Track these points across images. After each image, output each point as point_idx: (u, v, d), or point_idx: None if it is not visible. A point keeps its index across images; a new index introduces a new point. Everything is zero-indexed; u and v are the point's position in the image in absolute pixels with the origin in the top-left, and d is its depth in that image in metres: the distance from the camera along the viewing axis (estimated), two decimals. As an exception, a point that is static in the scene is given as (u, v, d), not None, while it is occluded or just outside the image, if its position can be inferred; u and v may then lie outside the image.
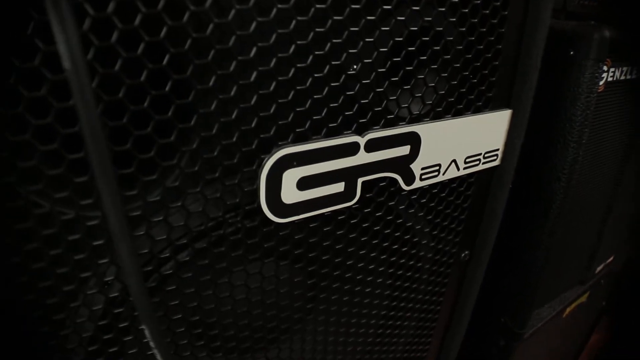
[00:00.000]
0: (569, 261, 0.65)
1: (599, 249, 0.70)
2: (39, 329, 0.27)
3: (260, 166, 0.29)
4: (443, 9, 0.33)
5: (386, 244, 0.40)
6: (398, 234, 0.40)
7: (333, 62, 0.29)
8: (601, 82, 0.50)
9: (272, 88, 0.28)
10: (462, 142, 0.38)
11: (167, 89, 0.24)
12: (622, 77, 0.53)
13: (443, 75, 0.35)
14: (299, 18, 0.27)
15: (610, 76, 0.51)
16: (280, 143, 0.29)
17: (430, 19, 0.32)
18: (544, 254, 0.54)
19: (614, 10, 0.59)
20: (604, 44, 0.47)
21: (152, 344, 0.28)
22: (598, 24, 0.49)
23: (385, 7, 0.30)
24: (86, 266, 0.27)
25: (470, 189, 0.42)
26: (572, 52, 0.48)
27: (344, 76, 0.30)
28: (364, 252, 0.39)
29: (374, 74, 0.31)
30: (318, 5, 0.27)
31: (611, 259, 0.78)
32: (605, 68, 0.50)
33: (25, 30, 0.20)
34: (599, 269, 0.75)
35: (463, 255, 0.46)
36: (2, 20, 0.20)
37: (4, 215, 0.23)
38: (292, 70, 0.28)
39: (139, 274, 0.25)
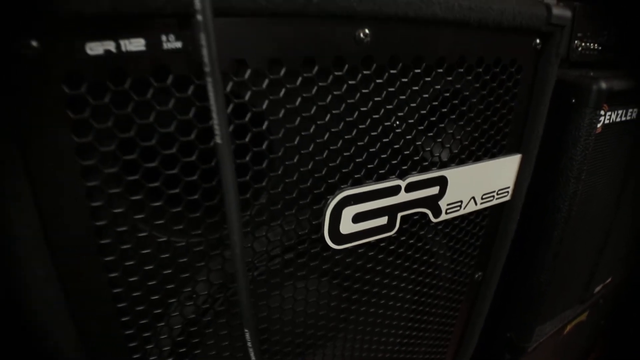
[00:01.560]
0: (570, 282, 0.77)
1: (597, 270, 0.81)
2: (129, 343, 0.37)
3: (326, 205, 0.39)
4: (469, 77, 0.44)
5: (414, 265, 0.50)
6: (424, 257, 0.50)
7: (385, 123, 0.40)
8: (599, 125, 0.62)
9: (339, 144, 0.38)
10: (480, 182, 0.49)
11: (263, 146, 0.35)
12: (618, 119, 0.65)
13: (467, 129, 0.46)
14: (363, 90, 0.38)
15: (607, 119, 0.63)
16: (342, 186, 0.40)
17: (459, 85, 0.43)
18: (547, 275, 0.65)
19: (612, 57, 0.71)
20: (601, 94, 0.59)
21: (250, 346, 0.38)
22: (596, 76, 0.61)
23: (426, 79, 0.41)
24: (173, 292, 0.37)
25: (485, 220, 0.53)
26: (573, 100, 0.59)
27: (392, 134, 0.41)
28: (394, 271, 0.50)
29: (414, 130, 0.42)
30: (377, 81, 0.38)
31: (609, 280, 0.90)
32: (602, 113, 0.61)
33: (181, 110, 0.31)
34: (597, 289, 0.87)
35: (477, 276, 0.56)
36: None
37: (134, 251, 0.34)
38: (355, 131, 0.39)
39: (246, 278, 0.35)
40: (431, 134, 0.44)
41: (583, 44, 0.65)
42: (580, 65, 0.66)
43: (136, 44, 0.29)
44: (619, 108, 0.64)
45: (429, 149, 0.44)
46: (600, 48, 0.67)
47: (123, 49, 0.29)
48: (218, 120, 0.27)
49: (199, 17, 0.26)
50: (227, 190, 0.30)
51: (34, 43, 0.26)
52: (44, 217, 0.30)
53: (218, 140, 0.28)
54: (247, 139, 0.34)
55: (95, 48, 0.28)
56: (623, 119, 0.65)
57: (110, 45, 0.28)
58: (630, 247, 0.88)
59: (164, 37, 0.29)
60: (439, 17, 0.38)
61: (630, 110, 0.66)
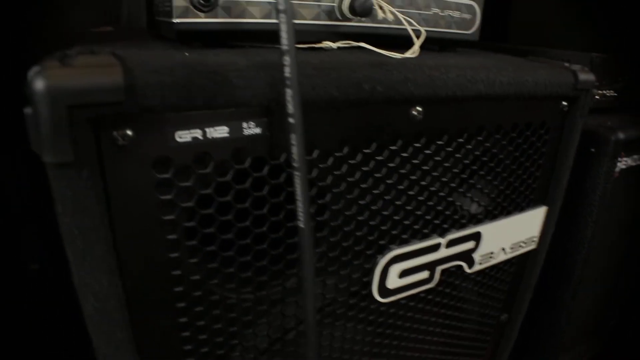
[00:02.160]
0: (587, 319, 0.80)
1: (613, 306, 0.84)
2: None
3: (376, 264, 0.42)
4: (504, 141, 0.47)
5: (446, 311, 0.53)
6: (456, 304, 0.54)
7: (431, 188, 0.43)
8: (616, 171, 0.65)
9: (389, 210, 0.42)
10: (509, 234, 0.52)
11: (325, 216, 0.38)
12: (634, 164, 0.68)
13: (499, 186, 0.50)
14: (413, 161, 0.41)
15: (624, 165, 0.66)
16: (390, 246, 0.43)
17: (493, 148, 0.47)
18: (566, 313, 0.69)
19: (627, 102, 0.74)
20: (619, 144, 0.62)
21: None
22: (613, 124, 0.64)
23: (467, 146, 0.44)
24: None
25: (512, 267, 0.56)
26: (592, 150, 0.63)
27: (434, 196, 0.44)
28: (427, 316, 0.53)
29: (452, 191, 0.46)
30: (425, 152, 0.41)
31: (624, 315, 0.93)
32: (619, 160, 0.65)
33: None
34: (613, 323, 0.90)
35: (503, 317, 0.60)
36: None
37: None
38: (404, 197, 0.42)
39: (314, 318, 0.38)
40: (466, 192, 0.47)
41: (600, 92, 0.69)
42: (597, 111, 0.69)
43: (220, 131, 0.32)
44: (635, 153, 0.68)
45: (464, 206, 0.47)
46: (616, 94, 0.71)
47: (209, 136, 0.32)
48: (302, 208, 0.30)
49: (291, 120, 0.29)
50: (306, 268, 0.32)
51: (129, 132, 0.29)
52: (127, 286, 0.33)
53: (301, 225, 0.31)
54: (312, 211, 0.37)
55: (184, 136, 0.31)
56: (638, 162, 0.69)
57: (198, 133, 0.31)
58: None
59: (244, 124, 0.33)
60: (483, 93, 0.41)
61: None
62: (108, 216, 0.30)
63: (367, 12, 0.41)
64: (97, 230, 0.30)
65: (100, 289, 0.32)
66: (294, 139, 0.29)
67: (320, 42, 0.42)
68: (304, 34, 0.41)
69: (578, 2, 0.90)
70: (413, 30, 0.43)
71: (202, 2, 0.36)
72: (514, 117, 0.47)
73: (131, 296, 0.33)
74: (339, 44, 0.42)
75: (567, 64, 0.51)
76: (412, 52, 0.40)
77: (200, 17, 0.37)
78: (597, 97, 0.68)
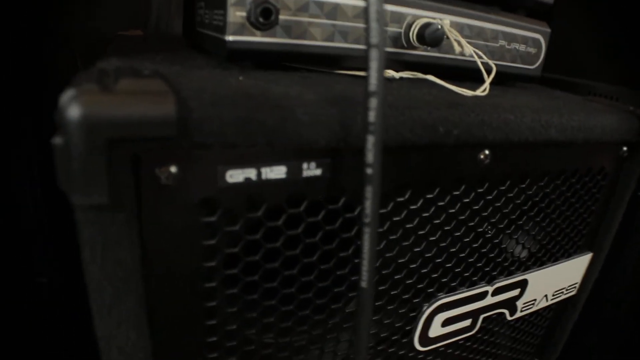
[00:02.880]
0: None
1: None
2: None
3: (421, 312, 0.36)
4: (563, 187, 0.41)
5: (480, 357, 0.48)
6: (491, 349, 0.48)
7: (486, 236, 0.37)
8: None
9: (443, 257, 0.36)
10: (553, 281, 0.46)
11: (377, 264, 0.32)
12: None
13: (548, 230, 0.43)
14: (474, 207, 0.35)
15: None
16: (438, 294, 0.37)
17: (549, 191, 0.41)
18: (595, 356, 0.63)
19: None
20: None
21: None
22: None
23: (528, 192, 0.38)
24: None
25: (550, 313, 0.50)
26: (639, 193, 0.56)
27: (484, 241, 0.38)
28: None
29: (501, 235, 0.40)
30: (487, 197, 0.35)
31: None
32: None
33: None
34: None
35: (533, 361, 0.54)
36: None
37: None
38: (459, 244, 0.36)
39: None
40: (517, 238, 0.41)
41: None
42: None
43: (277, 172, 0.26)
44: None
45: (514, 252, 0.41)
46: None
47: (263, 176, 0.26)
48: (367, 267, 0.24)
49: (369, 171, 0.23)
50: (362, 331, 0.26)
51: (174, 170, 0.23)
52: (156, 340, 0.27)
53: (364, 285, 0.25)
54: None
55: (235, 176, 0.25)
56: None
57: (252, 173, 0.25)
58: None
59: (305, 165, 0.26)
60: (553, 139, 0.35)
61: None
62: (142, 264, 0.24)
63: (437, 42, 0.35)
64: (129, 281, 0.24)
65: (126, 343, 0.26)
66: (369, 191, 0.23)
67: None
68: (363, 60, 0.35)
69: (607, 34, 0.84)
70: (482, 64, 0.36)
71: (261, 19, 0.30)
72: (577, 162, 0.40)
73: (159, 350, 0.27)
74: (403, 74, 0.36)
75: (631, 108, 0.45)
76: (484, 90, 0.34)
77: (256, 36, 0.31)
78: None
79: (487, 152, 0.33)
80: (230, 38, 0.30)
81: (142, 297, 0.25)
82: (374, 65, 0.21)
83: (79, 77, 0.23)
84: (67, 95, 0.21)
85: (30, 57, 0.57)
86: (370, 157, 0.22)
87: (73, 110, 0.20)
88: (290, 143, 0.25)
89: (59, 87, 0.22)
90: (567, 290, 0.48)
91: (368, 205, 0.23)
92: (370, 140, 0.22)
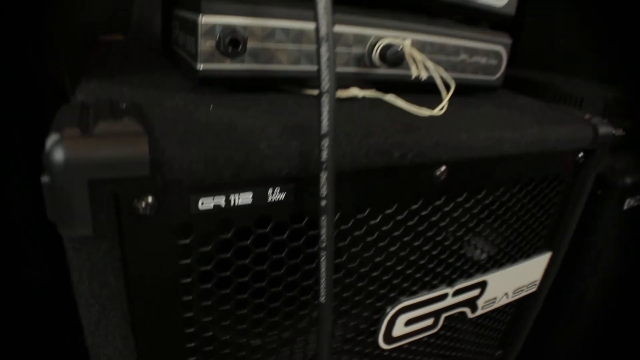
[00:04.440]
0: (581, 353, 0.81)
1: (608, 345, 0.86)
2: None
3: (385, 314, 0.42)
4: (520, 195, 0.47)
5: (444, 352, 0.54)
6: (455, 344, 0.54)
7: (445, 243, 0.43)
8: (620, 212, 0.66)
9: (403, 265, 0.41)
10: (513, 280, 0.52)
11: (340, 274, 0.37)
12: (635, 204, 0.69)
13: (507, 235, 0.49)
14: (432, 219, 0.40)
15: (627, 205, 0.66)
16: (400, 298, 0.43)
17: (506, 199, 0.46)
18: (560, 348, 0.70)
19: (636, 139, 0.74)
20: (625, 189, 0.62)
21: None
22: (620, 166, 0.64)
23: (485, 202, 0.43)
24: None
25: (512, 309, 0.57)
26: (599, 192, 0.63)
27: (445, 249, 0.44)
28: (425, 358, 0.53)
29: (462, 242, 0.45)
30: (445, 209, 0.41)
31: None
32: (625, 202, 0.65)
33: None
34: None
35: (497, 353, 0.60)
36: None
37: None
38: (418, 253, 0.41)
39: None
40: (476, 243, 0.47)
41: (610, 131, 0.68)
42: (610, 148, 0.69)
43: (244, 198, 0.31)
44: (638, 194, 0.68)
45: (473, 256, 0.47)
46: (624, 133, 0.71)
47: (232, 203, 0.30)
48: (325, 285, 0.29)
49: (323, 203, 0.27)
50: (323, 342, 0.32)
51: (150, 200, 0.28)
52: (140, 348, 0.32)
53: (322, 299, 0.30)
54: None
55: (206, 203, 0.30)
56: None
57: (221, 200, 0.30)
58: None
59: (270, 191, 0.31)
60: (507, 153, 0.40)
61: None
62: (125, 284, 0.29)
63: (398, 62, 0.39)
64: (114, 299, 0.29)
65: (114, 352, 0.31)
66: (324, 220, 0.28)
67: (347, 87, 0.40)
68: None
69: (590, 32, 0.89)
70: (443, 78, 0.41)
71: (230, 49, 0.34)
72: (532, 171, 0.46)
73: (144, 357, 0.32)
74: (367, 92, 0.40)
75: (587, 116, 0.50)
76: (441, 108, 0.39)
77: (226, 63, 0.35)
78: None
79: (443, 168, 0.38)
80: (201, 67, 0.35)
81: (126, 312, 0.30)
82: (325, 110, 0.25)
83: (61, 115, 0.27)
84: (51, 140, 0.25)
85: (14, 58, 0.59)
86: (323, 191, 0.27)
87: (57, 154, 0.24)
88: (255, 174, 0.29)
89: (44, 87, 0.26)
90: (527, 287, 0.55)
91: (324, 232, 0.28)
92: (324, 176, 0.27)
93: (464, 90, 0.48)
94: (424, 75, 0.38)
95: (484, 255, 0.48)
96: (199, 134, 0.28)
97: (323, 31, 0.26)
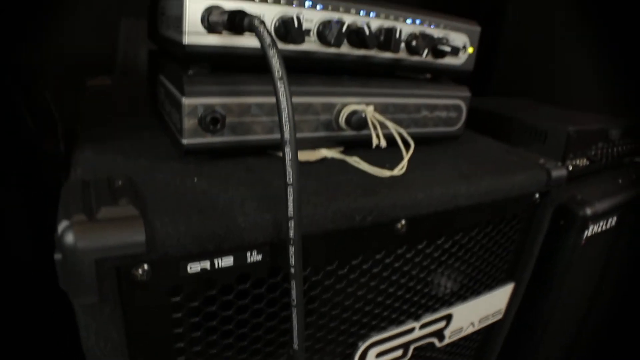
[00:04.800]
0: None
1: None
2: None
3: (357, 348, 0.48)
4: (478, 237, 0.53)
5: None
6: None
7: (409, 284, 0.49)
8: (582, 240, 0.72)
9: (371, 306, 0.47)
10: (478, 310, 0.58)
11: (314, 317, 0.43)
12: (599, 230, 0.75)
13: (469, 272, 0.55)
14: (395, 265, 0.46)
15: (590, 233, 0.73)
16: (370, 334, 0.48)
17: (464, 241, 0.52)
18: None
19: (598, 167, 0.80)
20: (587, 219, 0.68)
21: None
22: (583, 196, 0.70)
23: (444, 247, 0.49)
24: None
25: (479, 336, 0.63)
26: (562, 222, 0.69)
27: (410, 290, 0.50)
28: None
29: (422, 283, 0.51)
30: (407, 256, 0.46)
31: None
32: (587, 231, 0.71)
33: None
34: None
35: (468, 375, 0.66)
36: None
37: None
38: (384, 295, 0.47)
39: None
40: (439, 281, 0.52)
41: (574, 162, 0.74)
42: (568, 180, 0.75)
43: (227, 261, 0.37)
44: (601, 220, 0.74)
45: (437, 293, 0.53)
46: (588, 163, 0.77)
47: (216, 266, 0.36)
48: (297, 335, 0.35)
49: (292, 270, 0.33)
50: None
51: (147, 268, 0.33)
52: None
53: (295, 347, 0.36)
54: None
55: (194, 267, 0.35)
56: (604, 228, 0.75)
57: (207, 264, 0.36)
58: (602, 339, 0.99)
59: (249, 254, 0.37)
60: (462, 206, 0.46)
61: (610, 219, 0.76)
62: (127, 337, 0.35)
63: (362, 126, 0.45)
64: (117, 350, 0.35)
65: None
66: (293, 284, 0.34)
67: (317, 148, 0.46)
68: (304, 142, 0.46)
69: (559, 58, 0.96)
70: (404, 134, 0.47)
71: (211, 126, 0.40)
72: (489, 216, 0.52)
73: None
74: (335, 152, 0.46)
75: (542, 161, 0.56)
76: (401, 169, 0.45)
77: (207, 137, 0.41)
78: (570, 168, 0.74)
79: (403, 221, 0.44)
80: (185, 142, 0.40)
81: (127, 358, 0.36)
82: (290, 198, 0.31)
83: (67, 196, 0.33)
84: (62, 226, 0.31)
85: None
86: (292, 261, 0.33)
87: (68, 238, 0.30)
88: (235, 244, 0.35)
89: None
90: (493, 315, 0.61)
91: (294, 293, 0.34)
92: (292, 249, 0.32)
93: (426, 141, 0.55)
94: (383, 144, 0.44)
95: (447, 291, 0.54)
96: (186, 212, 0.34)
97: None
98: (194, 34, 0.39)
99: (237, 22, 0.34)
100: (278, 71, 0.30)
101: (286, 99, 0.30)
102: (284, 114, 0.30)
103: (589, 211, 0.68)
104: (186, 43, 0.39)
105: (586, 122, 0.80)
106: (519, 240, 0.58)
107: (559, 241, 0.69)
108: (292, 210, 0.32)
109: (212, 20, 0.37)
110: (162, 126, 0.50)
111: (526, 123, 0.77)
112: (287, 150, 0.30)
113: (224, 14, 0.36)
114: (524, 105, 0.98)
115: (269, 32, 0.31)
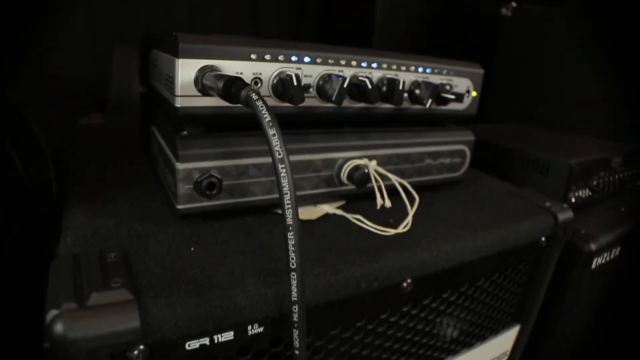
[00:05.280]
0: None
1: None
2: None
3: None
4: (484, 286, 0.52)
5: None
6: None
7: (414, 339, 0.48)
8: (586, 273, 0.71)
9: (375, 363, 0.46)
10: (484, 355, 0.57)
11: None
12: (603, 262, 0.74)
13: (477, 321, 0.54)
14: (400, 322, 0.45)
15: (594, 265, 0.72)
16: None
17: (469, 293, 0.51)
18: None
19: (600, 196, 0.80)
20: (591, 254, 0.68)
21: None
22: (588, 230, 0.70)
23: (450, 299, 0.48)
24: None
25: (485, 378, 0.62)
26: (566, 257, 0.68)
27: (410, 342, 0.49)
28: None
29: (428, 335, 0.50)
30: (412, 312, 0.46)
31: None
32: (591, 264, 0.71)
33: None
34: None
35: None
36: None
37: None
38: (389, 352, 0.46)
39: None
40: (444, 332, 0.52)
41: (576, 194, 0.74)
42: (573, 208, 0.75)
43: (227, 336, 0.35)
44: (605, 252, 0.73)
45: (442, 344, 0.52)
46: (590, 193, 0.76)
47: (216, 341, 0.35)
48: None
49: (296, 352, 0.32)
50: None
51: (142, 348, 0.32)
52: None
53: None
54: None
55: (193, 344, 0.34)
56: (607, 259, 0.75)
57: (206, 341, 0.35)
58: None
59: (249, 327, 0.36)
60: (468, 260, 0.45)
61: (614, 250, 0.76)
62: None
63: (365, 182, 0.44)
64: None
65: None
66: (296, 365, 0.33)
67: (319, 203, 0.45)
68: (304, 200, 0.45)
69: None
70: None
71: (207, 192, 0.39)
72: (495, 265, 0.51)
73: None
74: (336, 208, 0.45)
75: (548, 204, 0.55)
76: (406, 225, 0.44)
77: (204, 202, 0.40)
78: (573, 200, 0.73)
79: (409, 280, 0.43)
80: (180, 207, 0.39)
81: None
82: (294, 284, 0.30)
83: (56, 278, 0.32)
84: (50, 315, 0.29)
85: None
86: (296, 343, 0.32)
87: (57, 328, 0.29)
88: (235, 322, 0.34)
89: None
90: (498, 358, 0.60)
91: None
92: (295, 332, 0.31)
93: (431, 187, 0.54)
94: (388, 204, 0.43)
95: (452, 340, 0.53)
96: (183, 291, 0.33)
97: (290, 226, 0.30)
98: (187, 96, 0.37)
99: (233, 92, 0.33)
100: (278, 152, 0.29)
101: (288, 183, 0.28)
102: (286, 198, 0.29)
103: (593, 246, 0.68)
104: (179, 106, 0.37)
105: (587, 150, 0.80)
106: (525, 282, 0.57)
107: (565, 276, 0.69)
108: (295, 295, 0.31)
109: (206, 84, 0.36)
110: (155, 179, 0.49)
111: (528, 156, 0.76)
112: (290, 235, 0.29)
113: (218, 79, 0.35)
114: (521, 132, 0.98)
115: (268, 108, 0.30)
